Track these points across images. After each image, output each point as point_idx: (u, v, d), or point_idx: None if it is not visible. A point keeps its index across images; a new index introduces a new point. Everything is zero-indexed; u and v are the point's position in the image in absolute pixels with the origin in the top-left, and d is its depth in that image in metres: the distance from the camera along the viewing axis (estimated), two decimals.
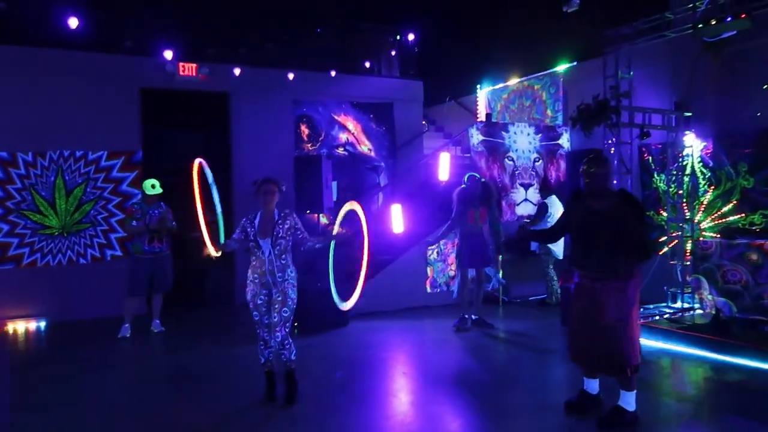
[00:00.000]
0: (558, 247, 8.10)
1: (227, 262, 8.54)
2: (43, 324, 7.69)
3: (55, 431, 4.20)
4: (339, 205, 9.66)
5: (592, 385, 4.27)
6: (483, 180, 7.10)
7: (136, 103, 8.50)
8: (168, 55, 8.44)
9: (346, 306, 4.84)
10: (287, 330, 4.41)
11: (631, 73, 7.10)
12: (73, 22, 7.00)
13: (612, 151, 6.56)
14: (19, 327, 7.58)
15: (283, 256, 4.39)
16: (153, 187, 6.95)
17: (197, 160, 4.49)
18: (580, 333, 4.08)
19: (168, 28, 8.51)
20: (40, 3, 7.62)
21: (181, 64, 8.74)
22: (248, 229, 4.42)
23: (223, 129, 9.49)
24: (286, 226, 4.40)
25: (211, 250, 4.38)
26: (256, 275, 4.40)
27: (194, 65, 8.84)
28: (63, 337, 7.18)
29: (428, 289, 8.50)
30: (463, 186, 6.98)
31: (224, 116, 9.38)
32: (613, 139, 6.87)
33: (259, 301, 4.42)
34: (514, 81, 11.19)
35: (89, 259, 8.18)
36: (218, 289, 9.35)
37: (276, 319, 4.35)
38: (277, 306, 4.36)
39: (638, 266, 4.01)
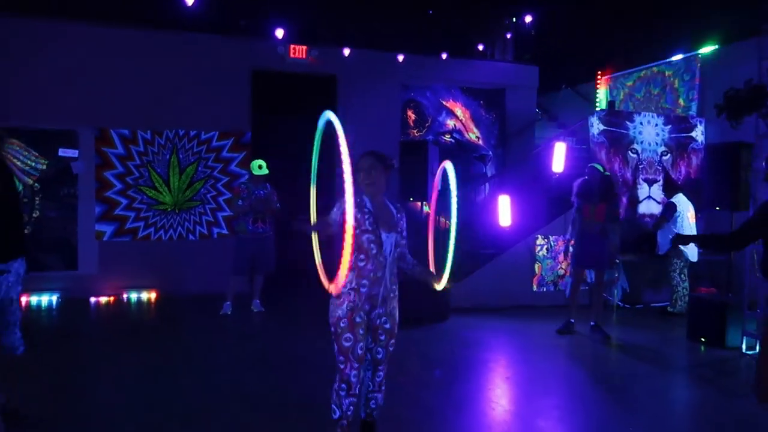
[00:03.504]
0: (691, 249, 7.27)
1: (331, 245, 8.49)
2: (153, 296, 8.03)
3: (134, 402, 4.24)
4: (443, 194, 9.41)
5: None
6: (606, 173, 6.46)
7: (247, 84, 8.62)
8: (279, 33, 8.40)
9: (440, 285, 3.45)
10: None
11: None
12: (189, 1, 7.09)
13: None
14: (131, 297, 7.96)
15: (395, 263, 3.33)
16: (260, 167, 6.97)
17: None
18: None
19: (279, 8, 8.50)
20: None
21: (292, 46, 8.76)
22: (358, 215, 3.13)
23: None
24: (404, 224, 3.36)
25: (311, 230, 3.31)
26: (364, 282, 3.15)
27: (304, 47, 8.82)
28: (168, 310, 7.43)
29: (535, 288, 7.95)
30: (585, 177, 6.39)
31: (332, 99, 9.30)
32: None
33: (358, 319, 3.16)
34: (641, 67, 10.22)
35: (197, 235, 8.43)
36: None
37: (381, 356, 3.29)
38: (383, 337, 3.26)
39: None
